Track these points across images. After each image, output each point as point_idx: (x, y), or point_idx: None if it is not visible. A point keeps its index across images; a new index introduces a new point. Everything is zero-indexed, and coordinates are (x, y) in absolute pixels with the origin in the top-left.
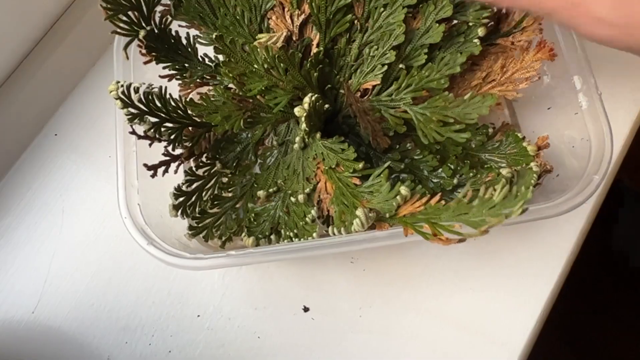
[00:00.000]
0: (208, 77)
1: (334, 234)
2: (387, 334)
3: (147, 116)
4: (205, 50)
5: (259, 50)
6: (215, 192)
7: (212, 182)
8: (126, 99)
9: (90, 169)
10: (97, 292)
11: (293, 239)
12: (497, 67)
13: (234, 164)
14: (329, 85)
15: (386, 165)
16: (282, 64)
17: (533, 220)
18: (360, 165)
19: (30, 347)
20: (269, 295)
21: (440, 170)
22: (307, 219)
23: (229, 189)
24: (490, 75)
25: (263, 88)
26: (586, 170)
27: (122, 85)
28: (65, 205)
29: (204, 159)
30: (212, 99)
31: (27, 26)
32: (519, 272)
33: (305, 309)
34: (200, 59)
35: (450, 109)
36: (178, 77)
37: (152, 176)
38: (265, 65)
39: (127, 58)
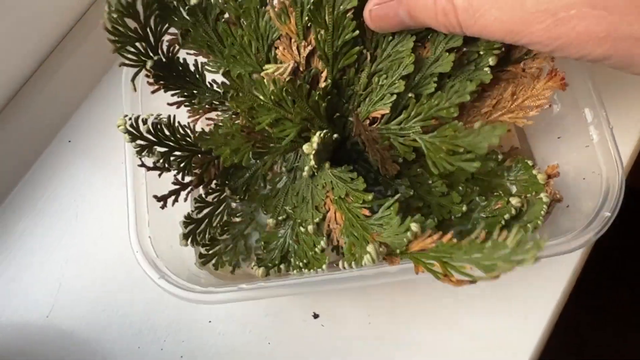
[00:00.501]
0: (217, 102)
1: (344, 268)
2: (395, 342)
3: (155, 147)
4: (214, 77)
5: (266, 82)
6: (225, 218)
7: (222, 208)
8: (134, 132)
9: (103, 175)
10: (110, 297)
11: (303, 269)
12: (507, 94)
13: (243, 190)
14: (338, 114)
15: (396, 198)
16: (289, 97)
17: (543, 257)
18: (370, 197)
19: (44, 351)
20: (280, 301)
21: (450, 195)
22: (316, 249)
23: (238, 215)
24: (500, 103)
25: (271, 121)
26: (597, 204)
27: (130, 118)
28: (78, 211)
29: (212, 186)
30: (220, 130)
31: (41, 34)
32: (526, 282)
33: (315, 316)
34: (209, 85)
35: (460, 138)
36: (187, 104)
37: (162, 207)
38: (273, 98)
39: (135, 90)
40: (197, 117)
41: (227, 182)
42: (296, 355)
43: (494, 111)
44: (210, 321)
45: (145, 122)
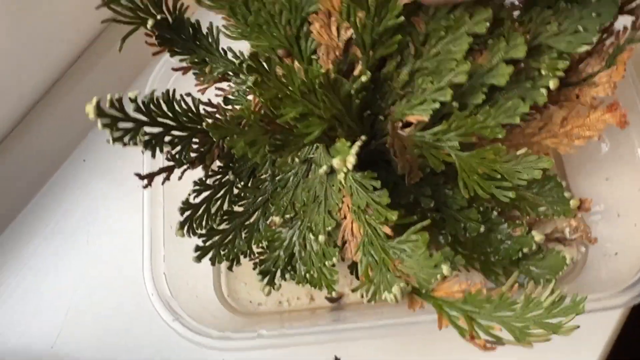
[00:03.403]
0: (231, 73)
1: (361, 297)
2: None
3: (144, 128)
4: (229, 43)
5: (296, 71)
6: (226, 206)
7: (222, 192)
8: (116, 113)
9: (117, 198)
10: (119, 329)
11: (310, 284)
12: (557, 118)
13: (248, 175)
14: (368, 112)
15: (424, 223)
16: (322, 90)
17: (592, 311)
18: (395, 216)
19: None
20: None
21: (469, 210)
22: (326, 263)
23: (240, 203)
24: (547, 126)
25: (297, 115)
26: None
27: (111, 99)
28: (90, 236)
29: (214, 168)
30: (232, 112)
31: (57, 51)
32: None
33: None
34: (223, 52)
35: (499, 163)
36: (195, 71)
37: (145, 186)
38: (302, 89)
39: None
40: (206, 86)
41: (231, 164)
42: None
43: (538, 133)
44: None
45: (134, 99)
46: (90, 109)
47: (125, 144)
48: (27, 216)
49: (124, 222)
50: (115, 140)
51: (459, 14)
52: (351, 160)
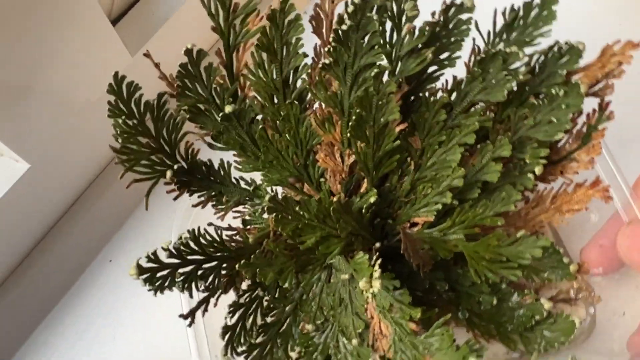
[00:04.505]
0: (246, 199)
1: None
2: None
3: (178, 271)
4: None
5: (312, 202)
6: (259, 320)
7: (254, 307)
8: (154, 264)
9: (143, 297)
10: None
11: None
12: (547, 197)
13: (275, 288)
14: (378, 219)
15: (446, 318)
16: (337, 214)
17: None
18: (418, 313)
19: None
20: None
21: (479, 285)
22: None
23: (272, 314)
24: (539, 205)
25: (317, 239)
26: None
27: (148, 255)
28: (116, 335)
29: (244, 287)
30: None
31: (87, 161)
32: None
33: None
34: (235, 182)
35: (503, 247)
36: (213, 202)
37: (190, 325)
38: (319, 215)
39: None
40: (224, 213)
41: (257, 280)
42: None
43: (531, 211)
44: None
45: (166, 248)
46: (133, 271)
47: (164, 290)
48: (53, 320)
49: (158, 324)
50: (156, 290)
51: (449, 130)
52: (377, 285)
